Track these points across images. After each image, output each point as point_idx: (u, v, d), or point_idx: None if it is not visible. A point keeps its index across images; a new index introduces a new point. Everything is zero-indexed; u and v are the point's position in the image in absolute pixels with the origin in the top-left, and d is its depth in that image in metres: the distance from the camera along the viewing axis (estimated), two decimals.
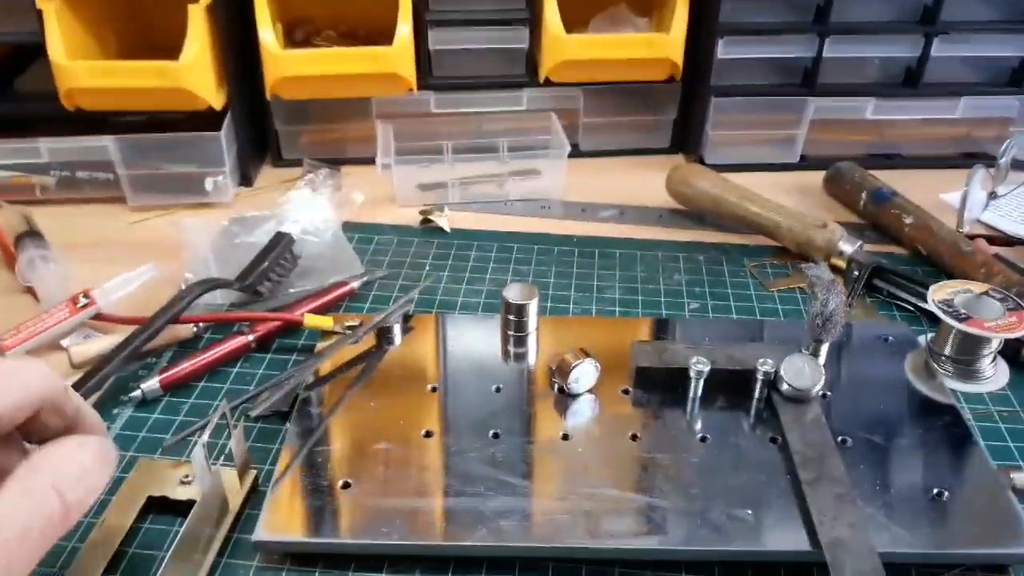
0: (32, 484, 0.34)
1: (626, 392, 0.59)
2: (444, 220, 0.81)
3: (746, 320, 0.69)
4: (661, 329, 0.66)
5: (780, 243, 0.77)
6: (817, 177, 0.90)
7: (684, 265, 0.76)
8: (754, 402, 0.58)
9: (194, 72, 0.78)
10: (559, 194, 0.87)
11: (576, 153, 0.90)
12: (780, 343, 0.62)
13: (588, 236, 0.80)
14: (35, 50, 0.81)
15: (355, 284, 0.70)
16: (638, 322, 0.67)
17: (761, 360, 0.57)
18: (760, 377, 0.57)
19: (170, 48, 0.79)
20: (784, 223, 0.76)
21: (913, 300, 0.70)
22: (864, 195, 0.82)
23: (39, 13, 0.77)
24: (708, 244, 0.79)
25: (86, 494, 0.36)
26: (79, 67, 0.77)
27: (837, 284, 0.60)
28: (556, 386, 0.58)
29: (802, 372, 0.56)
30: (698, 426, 0.56)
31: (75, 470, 0.36)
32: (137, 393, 0.59)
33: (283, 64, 0.80)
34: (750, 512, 0.50)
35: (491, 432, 0.55)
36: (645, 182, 0.90)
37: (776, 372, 0.57)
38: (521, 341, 0.63)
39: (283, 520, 0.49)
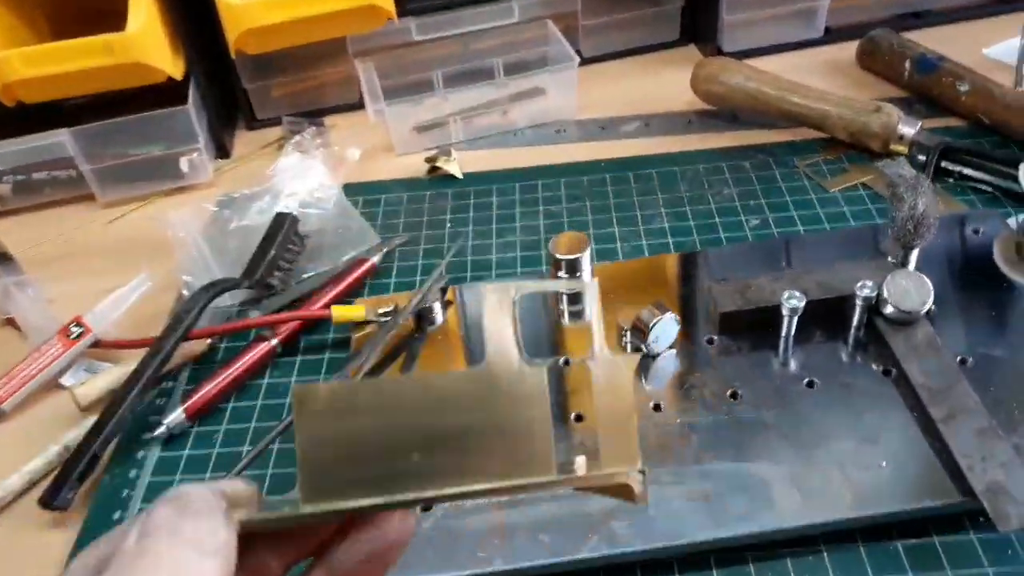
0: None
1: (711, 342, 0.52)
2: (454, 165, 0.72)
3: (817, 232, 0.62)
4: (727, 258, 0.59)
5: (830, 134, 0.70)
6: (847, 51, 0.81)
7: (731, 176, 0.68)
8: (853, 330, 0.51)
9: (145, 42, 0.67)
10: (572, 113, 0.78)
11: (580, 61, 0.81)
12: (863, 254, 0.55)
13: (616, 158, 0.72)
14: None
15: (375, 259, 0.62)
16: (700, 254, 0.60)
17: (859, 284, 0.50)
18: (859, 303, 0.50)
19: (112, 15, 0.68)
20: (833, 112, 0.68)
21: (991, 180, 0.63)
22: (907, 65, 0.74)
23: None
24: (751, 147, 0.71)
25: None
26: (12, 57, 0.66)
27: (923, 181, 0.53)
28: (630, 347, 0.52)
29: (908, 292, 0.50)
30: (799, 369, 0.50)
31: None
32: (162, 430, 0.52)
33: (245, 16, 0.69)
34: (884, 464, 0.44)
35: (572, 415, 0.49)
36: (664, 83, 0.81)
37: (877, 295, 0.50)
38: (576, 299, 0.56)
39: None
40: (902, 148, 0.66)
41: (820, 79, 0.77)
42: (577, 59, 0.75)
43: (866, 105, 0.67)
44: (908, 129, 0.66)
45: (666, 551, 0.42)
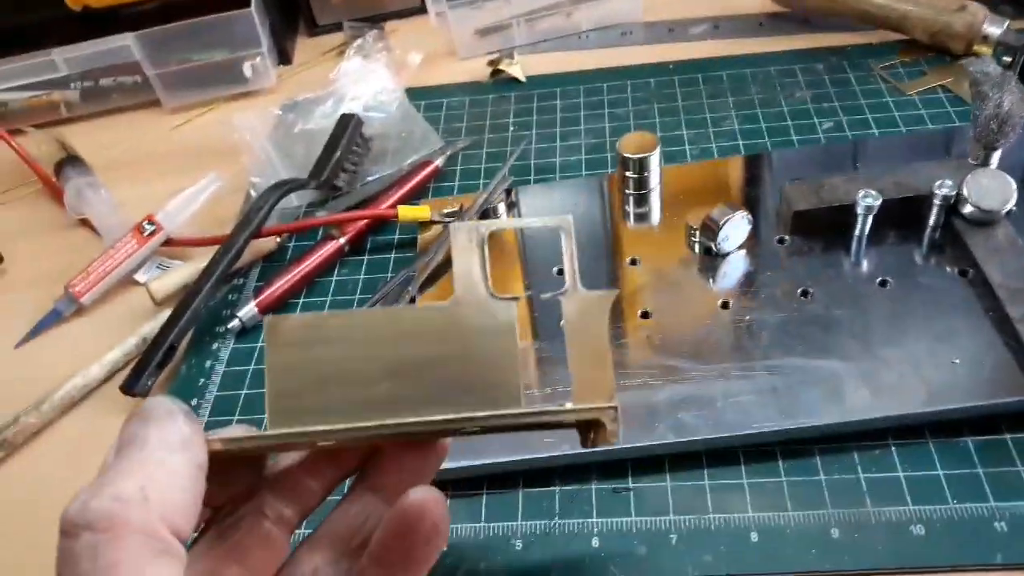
0: None
1: (781, 241, 0.51)
2: (517, 68, 0.71)
3: (893, 135, 0.60)
4: (799, 161, 0.57)
5: (909, 35, 0.67)
6: None
7: (804, 79, 0.66)
8: (929, 231, 0.50)
9: None
10: (638, 15, 0.76)
11: None
12: (944, 156, 0.53)
13: (685, 60, 0.70)
14: None
15: (439, 161, 0.62)
16: (771, 156, 0.58)
17: (938, 183, 0.49)
18: (937, 202, 0.49)
19: None
20: (913, 11, 0.65)
21: None
22: None
23: None
24: (824, 49, 0.68)
25: None
26: None
27: (1010, 78, 0.50)
28: (700, 246, 0.51)
29: (989, 191, 0.48)
30: (872, 269, 0.49)
31: None
32: (236, 323, 0.54)
33: None
34: (957, 361, 0.43)
35: (639, 311, 0.49)
36: None
37: (957, 194, 0.49)
38: (643, 200, 0.56)
39: None
40: (986, 49, 0.63)
41: None
42: None
43: (949, 4, 0.64)
44: (994, 29, 0.63)
45: (730, 441, 0.42)
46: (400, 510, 0.28)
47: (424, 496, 0.28)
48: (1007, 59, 0.62)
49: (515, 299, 0.30)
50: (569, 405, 0.29)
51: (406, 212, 0.56)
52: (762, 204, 0.54)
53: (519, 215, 0.57)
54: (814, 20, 0.72)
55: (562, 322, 0.30)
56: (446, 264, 0.54)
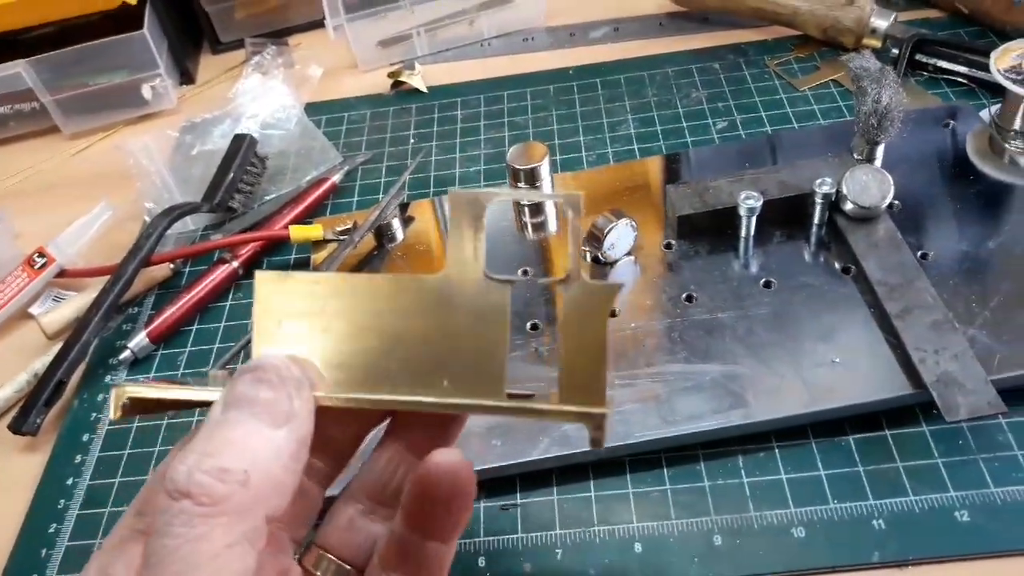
0: None
1: (668, 247, 0.51)
2: (418, 79, 0.71)
3: (783, 132, 0.60)
4: (690, 162, 0.58)
5: (802, 31, 0.67)
6: None
7: (700, 78, 0.66)
8: (814, 229, 0.51)
9: None
10: (540, 20, 0.76)
11: None
12: (830, 151, 0.54)
13: (584, 65, 0.70)
14: None
15: (335, 177, 0.61)
16: (663, 160, 0.58)
17: (818, 180, 0.49)
18: (819, 200, 0.49)
19: None
20: (803, 7, 0.66)
21: (966, 71, 0.61)
22: None
23: None
24: (722, 48, 0.69)
25: None
26: None
27: (888, 73, 0.51)
28: (589, 255, 0.51)
29: (868, 187, 0.49)
30: (758, 270, 0.49)
31: None
32: (127, 354, 0.53)
33: None
34: (838, 360, 0.44)
35: (528, 324, 0.49)
36: None
37: (837, 191, 0.49)
38: (537, 210, 0.56)
39: None
40: (875, 42, 0.64)
41: None
42: None
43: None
44: (881, 22, 0.64)
45: (614, 451, 0.42)
46: (422, 473, 0.28)
47: (443, 461, 0.28)
48: (895, 51, 0.63)
49: (510, 282, 0.28)
50: (567, 407, 0.27)
51: (298, 232, 0.55)
52: (652, 209, 0.54)
53: (446, 225, 0.57)
54: (713, 18, 0.72)
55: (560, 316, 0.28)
56: None
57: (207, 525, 0.22)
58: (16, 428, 0.50)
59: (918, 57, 0.62)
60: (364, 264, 0.55)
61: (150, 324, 0.53)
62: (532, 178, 0.54)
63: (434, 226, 0.56)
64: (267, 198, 0.62)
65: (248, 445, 0.24)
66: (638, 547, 0.40)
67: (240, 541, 0.23)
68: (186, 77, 0.78)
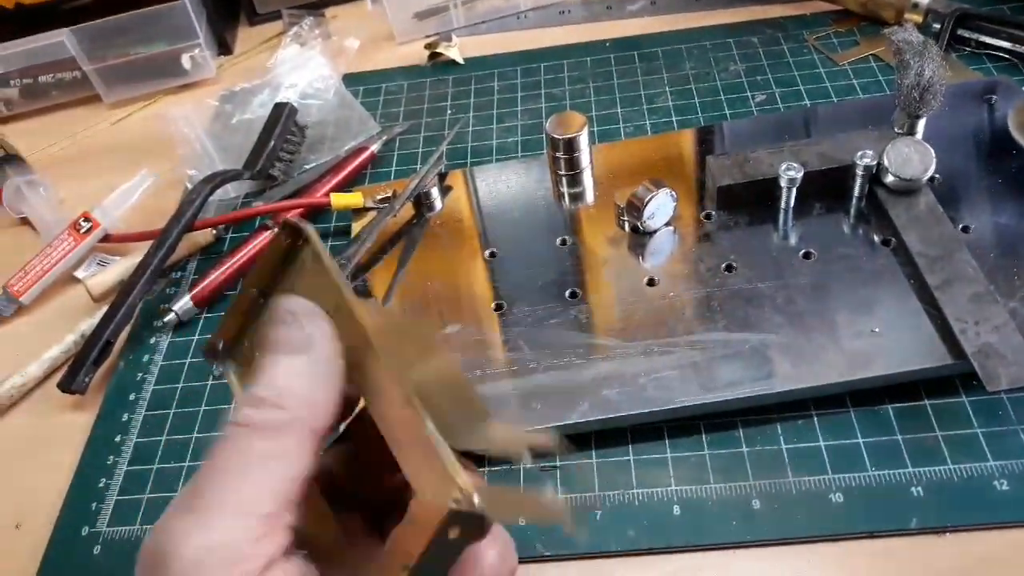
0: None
1: (708, 217, 0.51)
2: (454, 51, 0.71)
3: (823, 105, 0.60)
4: (728, 134, 0.58)
5: (842, 6, 0.67)
6: None
7: (738, 52, 0.66)
8: (854, 201, 0.51)
9: None
10: None
11: None
12: (870, 125, 0.54)
13: (622, 37, 0.70)
14: None
15: (374, 147, 0.62)
16: (701, 131, 0.58)
17: (859, 153, 0.49)
18: (860, 172, 0.49)
19: None
20: None
21: (1009, 46, 0.60)
22: None
23: None
24: (760, 22, 0.69)
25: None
26: None
27: (931, 46, 0.51)
28: (628, 225, 0.52)
29: (909, 159, 0.49)
30: (797, 241, 0.49)
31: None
32: (171, 316, 0.54)
33: None
34: (877, 330, 0.44)
35: (567, 292, 0.49)
36: None
37: (878, 163, 0.49)
38: (575, 180, 0.56)
39: None
40: (917, 16, 0.64)
41: None
42: None
43: None
44: None
45: (654, 416, 0.43)
46: None
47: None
48: (937, 26, 0.62)
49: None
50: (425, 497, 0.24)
51: (339, 200, 0.56)
52: (691, 179, 0.54)
53: (475, 194, 0.57)
54: None
55: None
56: (379, 251, 0.54)
57: (254, 439, 0.25)
58: (65, 387, 0.51)
59: (960, 32, 0.62)
60: (404, 233, 0.55)
61: (194, 288, 0.54)
62: (571, 148, 0.55)
63: (475, 196, 0.57)
64: (306, 167, 0.63)
65: (277, 374, 0.26)
66: (676, 509, 0.41)
67: (286, 452, 0.25)
68: (224, 48, 0.79)
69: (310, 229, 0.28)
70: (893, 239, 0.48)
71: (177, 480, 0.46)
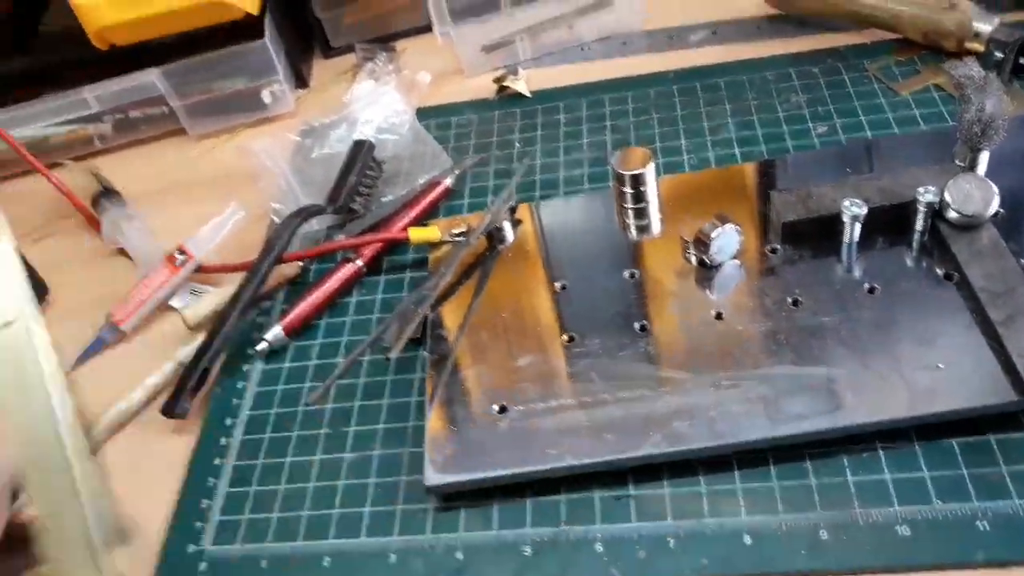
0: None
1: (773, 251, 0.53)
2: (521, 84, 0.74)
3: (885, 137, 0.61)
4: (792, 167, 0.59)
5: (902, 35, 0.68)
6: None
7: (799, 83, 0.67)
8: (917, 236, 0.52)
9: None
10: (639, 24, 0.78)
11: None
12: (931, 159, 0.55)
13: (684, 69, 0.72)
14: None
15: (448, 181, 0.65)
16: (764, 164, 0.60)
17: (921, 189, 0.51)
18: (922, 208, 0.51)
19: None
20: (904, 11, 0.66)
21: None
22: None
23: None
24: (820, 51, 0.70)
25: None
26: (101, 3, 0.70)
27: (992, 81, 0.52)
28: (694, 258, 0.54)
29: (971, 196, 0.50)
30: (861, 275, 0.51)
31: None
32: (264, 345, 0.57)
33: None
34: (941, 365, 0.45)
35: (637, 325, 0.51)
36: None
37: (940, 200, 0.51)
38: (641, 213, 0.58)
39: (448, 458, 0.47)
40: (978, 46, 0.65)
41: None
42: None
43: (939, 2, 0.65)
44: (984, 26, 0.64)
45: (724, 449, 0.45)
46: None
47: None
48: (999, 55, 0.63)
49: None
50: None
51: (417, 234, 0.59)
52: (756, 214, 0.56)
53: (540, 229, 0.60)
54: (811, 22, 0.73)
55: None
56: (456, 282, 0.57)
57: None
58: (168, 412, 0.55)
59: (1022, 60, 0.63)
60: (477, 265, 0.58)
61: (284, 318, 0.58)
62: (637, 182, 0.57)
63: (536, 230, 0.59)
64: (384, 200, 0.66)
65: None
66: (747, 539, 0.43)
67: None
68: (300, 80, 0.82)
69: None
70: (956, 274, 0.49)
71: (273, 502, 0.49)
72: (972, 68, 0.53)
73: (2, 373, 0.37)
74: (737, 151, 0.63)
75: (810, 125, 0.64)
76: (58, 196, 0.72)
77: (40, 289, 0.66)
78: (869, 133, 0.62)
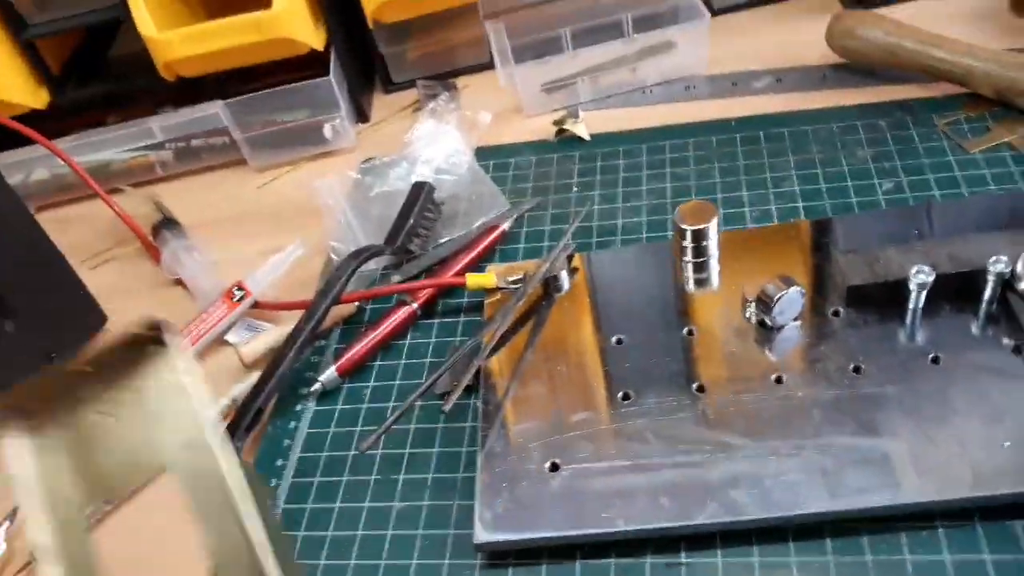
0: None
1: (836, 314, 0.52)
2: (581, 127, 0.74)
3: (954, 199, 0.60)
4: (856, 226, 0.58)
5: (973, 89, 0.67)
6: None
7: (865, 136, 0.66)
8: (985, 305, 0.51)
9: (290, 18, 0.72)
10: (702, 68, 0.78)
11: (711, 12, 0.79)
12: (1005, 224, 0.54)
13: (747, 116, 0.71)
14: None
15: (505, 225, 0.65)
16: (827, 223, 0.59)
17: (992, 258, 0.49)
18: (992, 278, 0.50)
19: None
20: (977, 67, 0.65)
21: None
22: None
23: None
24: (888, 104, 0.69)
25: None
26: (172, 37, 0.71)
27: None
28: (755, 318, 0.53)
29: None
30: (925, 344, 0.50)
31: None
32: (317, 386, 0.58)
33: None
34: (1008, 444, 0.44)
35: (695, 385, 0.51)
36: (798, 35, 0.78)
37: (1012, 270, 0.49)
38: (701, 267, 0.58)
39: (498, 515, 0.47)
40: None
41: (968, 26, 0.73)
42: (708, 14, 0.74)
43: (1015, 59, 0.64)
44: None
45: (780, 521, 0.44)
46: None
47: None
48: None
49: None
50: None
51: (473, 280, 0.59)
52: (819, 274, 0.55)
53: (591, 279, 0.59)
54: (878, 72, 0.72)
55: None
56: (509, 330, 0.57)
57: None
58: None
59: None
60: (532, 313, 0.58)
61: (338, 359, 0.58)
62: (699, 237, 0.56)
63: (602, 280, 0.59)
64: (441, 241, 0.67)
65: None
66: None
67: None
68: (362, 116, 0.83)
69: (176, 339, 0.27)
70: None
71: (321, 548, 0.49)
72: None
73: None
74: (800, 205, 0.62)
75: (875, 181, 0.62)
76: (117, 222, 0.73)
77: (97, 318, 0.68)
78: (936, 192, 0.61)
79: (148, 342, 0.27)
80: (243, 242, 0.72)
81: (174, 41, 0.72)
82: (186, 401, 0.25)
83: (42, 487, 0.26)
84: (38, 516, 0.25)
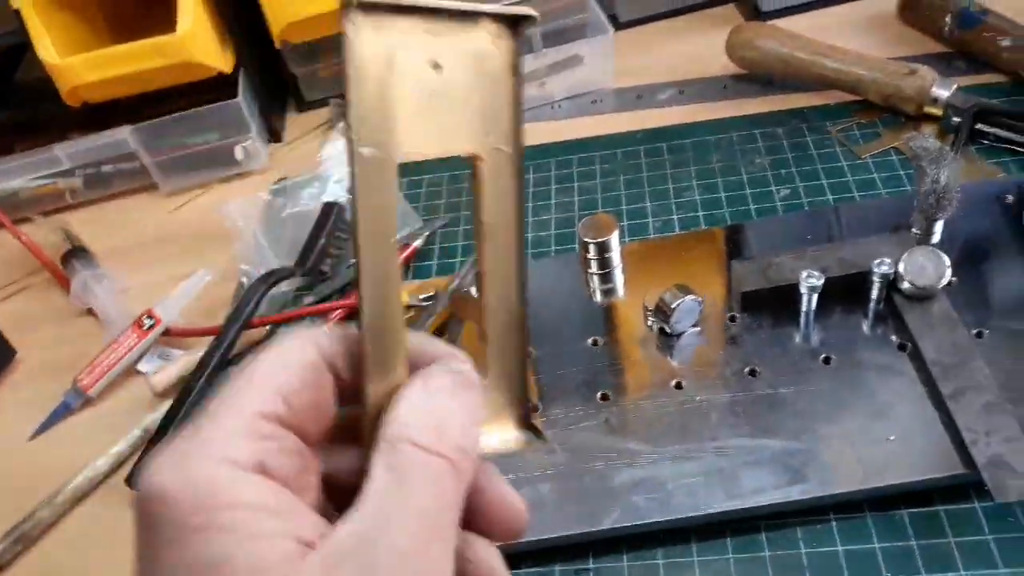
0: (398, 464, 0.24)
1: (733, 319, 0.54)
2: None
3: (845, 203, 0.62)
4: (752, 233, 0.60)
5: (864, 98, 0.70)
6: (888, 5, 0.79)
7: (763, 144, 0.69)
8: (872, 305, 0.53)
9: (195, 41, 0.71)
10: (609, 81, 0.80)
11: (616, 26, 0.81)
12: (888, 227, 0.56)
13: (652, 128, 0.73)
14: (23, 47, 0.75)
15: (417, 243, 0.66)
16: (727, 231, 0.61)
17: (877, 261, 0.52)
18: (877, 280, 0.52)
19: (165, 4, 0.72)
20: (866, 76, 0.68)
21: None
22: (948, 20, 0.73)
23: (17, 13, 0.70)
24: (784, 112, 0.71)
25: (463, 436, 0.25)
26: (75, 63, 0.71)
27: (946, 153, 0.53)
28: (656, 326, 0.54)
29: (924, 268, 0.51)
30: (818, 345, 0.52)
31: (431, 419, 0.25)
32: None
33: (288, 9, 0.72)
34: (892, 438, 0.46)
35: (598, 394, 0.52)
36: (701, 47, 0.81)
37: (895, 271, 0.52)
38: (606, 278, 0.59)
39: None
40: (936, 110, 0.66)
41: (860, 34, 0.77)
42: (611, 29, 0.76)
43: (900, 68, 0.67)
44: (942, 91, 0.66)
45: (682, 522, 0.45)
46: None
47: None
48: (956, 119, 0.64)
49: None
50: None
51: None
52: (716, 281, 0.57)
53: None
54: (775, 82, 0.75)
55: None
56: None
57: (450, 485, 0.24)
58: (133, 482, 0.55)
59: (979, 126, 0.64)
60: (444, 330, 0.59)
61: None
62: (603, 250, 0.58)
63: None
64: (353, 261, 0.67)
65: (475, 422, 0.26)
66: None
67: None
68: (274, 136, 0.83)
69: None
70: (910, 344, 0.50)
71: None
72: (928, 141, 0.54)
73: None
74: (701, 214, 0.64)
75: (773, 188, 0.65)
76: (26, 252, 0.72)
77: (6, 352, 0.66)
78: (830, 196, 0.63)
79: None
80: (155, 268, 0.72)
81: (77, 67, 0.71)
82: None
83: None
84: None
